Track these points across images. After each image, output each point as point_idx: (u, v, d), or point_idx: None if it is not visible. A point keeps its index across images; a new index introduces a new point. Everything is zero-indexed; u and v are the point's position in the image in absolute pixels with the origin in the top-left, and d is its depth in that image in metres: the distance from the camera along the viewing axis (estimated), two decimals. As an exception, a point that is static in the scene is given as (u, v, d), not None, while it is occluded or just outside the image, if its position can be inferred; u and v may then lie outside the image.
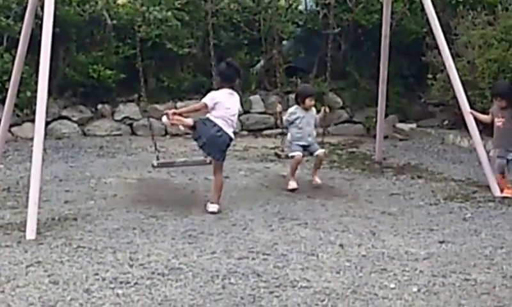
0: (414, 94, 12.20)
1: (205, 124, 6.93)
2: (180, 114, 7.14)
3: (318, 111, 8.20)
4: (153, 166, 7.73)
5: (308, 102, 7.96)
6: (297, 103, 8.03)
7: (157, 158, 7.80)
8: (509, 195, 7.54)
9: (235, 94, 7.13)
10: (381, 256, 5.62)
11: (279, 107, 8.24)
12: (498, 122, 7.80)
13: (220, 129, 6.88)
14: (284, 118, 8.07)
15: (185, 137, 11.25)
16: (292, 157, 7.90)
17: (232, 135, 7.04)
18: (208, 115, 6.95)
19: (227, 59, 7.67)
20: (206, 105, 6.95)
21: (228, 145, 7.08)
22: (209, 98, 6.98)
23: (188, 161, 8.00)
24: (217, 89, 7.15)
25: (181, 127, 7.22)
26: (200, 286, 4.89)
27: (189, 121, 7.04)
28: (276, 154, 8.64)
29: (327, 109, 8.28)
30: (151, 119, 11.31)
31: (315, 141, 8.10)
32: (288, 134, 8.05)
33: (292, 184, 7.80)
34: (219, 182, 7.06)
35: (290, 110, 8.07)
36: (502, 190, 7.62)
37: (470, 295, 4.83)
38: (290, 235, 6.17)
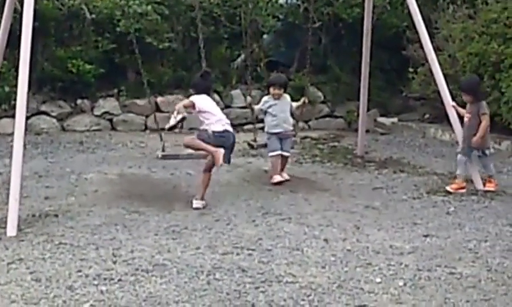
0: (395, 88, 12.24)
1: (223, 136, 6.91)
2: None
3: (297, 100, 8.37)
4: (157, 157, 7.87)
5: (272, 90, 8.06)
6: (269, 92, 8.18)
7: (163, 150, 7.92)
8: (491, 188, 7.57)
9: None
10: (365, 250, 5.61)
11: (249, 99, 8.43)
12: (466, 117, 7.75)
13: (228, 131, 6.96)
14: (257, 107, 8.26)
15: (165, 133, 11.18)
16: (272, 156, 8.02)
17: None
18: (217, 126, 6.90)
19: (203, 69, 7.59)
20: (193, 105, 6.93)
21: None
22: (199, 100, 6.94)
23: (193, 154, 7.98)
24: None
25: (184, 114, 7.03)
26: (184, 282, 4.85)
27: (187, 101, 7.04)
28: (249, 144, 8.76)
29: (306, 100, 8.49)
30: (130, 115, 11.38)
31: (292, 132, 8.24)
32: (265, 125, 8.16)
33: (276, 177, 7.86)
34: (207, 179, 7.02)
35: (263, 99, 8.21)
36: (484, 185, 7.65)
37: (455, 288, 4.83)
38: (274, 230, 6.14)
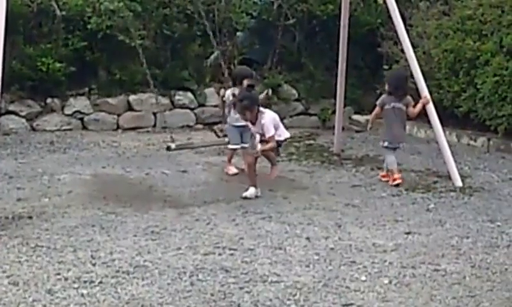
0: (369, 85, 12.23)
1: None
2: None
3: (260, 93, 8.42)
4: (169, 149, 7.99)
5: (246, 82, 8.01)
6: (234, 85, 8.19)
7: (173, 141, 8.05)
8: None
9: None
10: (348, 248, 5.61)
11: (222, 92, 8.47)
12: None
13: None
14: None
15: (137, 132, 11.12)
16: (231, 149, 8.27)
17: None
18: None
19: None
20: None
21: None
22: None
23: (207, 142, 8.00)
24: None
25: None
26: (167, 283, 4.79)
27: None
28: (213, 130, 8.89)
29: (269, 92, 8.63)
30: (102, 114, 11.24)
31: None
32: (228, 117, 8.23)
33: (232, 169, 8.26)
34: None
35: (227, 92, 8.24)
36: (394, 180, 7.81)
37: (441, 285, 4.85)
38: (255, 229, 6.10)
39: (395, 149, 8.05)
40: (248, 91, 7.42)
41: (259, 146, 7.20)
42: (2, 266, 5.06)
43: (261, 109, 7.24)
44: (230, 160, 8.34)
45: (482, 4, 10.24)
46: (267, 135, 7.17)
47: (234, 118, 8.07)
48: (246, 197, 7.07)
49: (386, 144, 8.07)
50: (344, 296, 4.64)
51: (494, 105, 9.48)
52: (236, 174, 8.16)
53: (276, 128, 7.25)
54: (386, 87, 8.16)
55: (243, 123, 7.95)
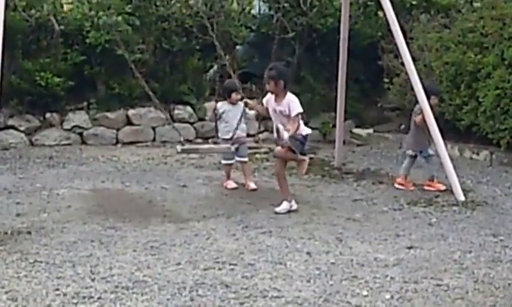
0: (370, 99, 12.29)
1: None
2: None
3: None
4: (177, 152, 8.00)
5: (234, 96, 8.22)
6: (224, 98, 8.35)
7: (182, 144, 8.07)
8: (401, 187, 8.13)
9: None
10: (350, 263, 5.60)
11: (213, 104, 8.54)
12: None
13: None
14: (210, 114, 8.42)
15: (136, 146, 11.14)
16: (225, 165, 8.35)
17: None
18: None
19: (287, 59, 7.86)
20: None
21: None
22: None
23: (214, 148, 8.10)
24: (278, 92, 7.19)
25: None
26: (167, 299, 4.78)
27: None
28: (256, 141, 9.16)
29: (260, 140, 9.10)
30: (101, 128, 11.25)
31: (245, 139, 8.41)
32: (218, 130, 8.32)
33: (230, 183, 8.30)
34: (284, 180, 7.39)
35: (218, 104, 8.33)
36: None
37: (443, 300, 4.84)
38: (256, 243, 6.10)
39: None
40: (283, 65, 7.49)
41: (286, 134, 7.00)
42: (0, 281, 5.06)
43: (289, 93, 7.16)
44: (228, 176, 8.37)
45: (483, 16, 10.28)
46: (293, 113, 7.02)
47: (224, 131, 8.17)
48: (277, 213, 7.08)
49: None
50: (346, 311, 4.64)
51: (496, 118, 9.50)
52: (235, 188, 8.21)
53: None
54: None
55: (233, 134, 8.04)
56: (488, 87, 9.59)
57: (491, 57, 9.74)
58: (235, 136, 8.07)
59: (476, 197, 7.83)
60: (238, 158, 8.30)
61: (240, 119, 8.10)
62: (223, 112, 8.21)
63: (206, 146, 7.92)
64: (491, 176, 8.99)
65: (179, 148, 7.94)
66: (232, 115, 8.17)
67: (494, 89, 9.48)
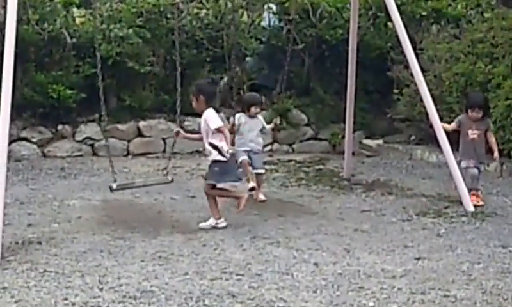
0: (379, 110, 12.27)
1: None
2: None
3: (269, 123, 8.43)
4: (111, 189, 7.56)
5: (253, 110, 8.13)
6: (243, 111, 8.23)
7: (115, 181, 7.68)
8: (480, 203, 7.77)
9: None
10: (357, 274, 5.59)
11: (231, 119, 8.28)
12: (473, 134, 7.94)
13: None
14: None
15: (147, 157, 11.19)
16: (241, 161, 7.95)
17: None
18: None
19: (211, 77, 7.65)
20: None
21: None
22: (217, 117, 6.92)
23: (148, 181, 7.86)
24: (199, 108, 7.10)
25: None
26: (174, 309, 4.80)
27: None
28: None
29: (277, 121, 8.51)
30: (111, 140, 11.30)
31: (261, 151, 8.34)
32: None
33: (251, 183, 7.88)
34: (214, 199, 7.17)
35: (236, 116, 8.21)
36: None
37: (450, 311, 4.83)
38: (263, 254, 6.10)
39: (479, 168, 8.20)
40: (207, 82, 7.31)
41: (225, 147, 6.75)
42: (10, 291, 5.10)
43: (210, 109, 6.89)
44: (248, 176, 7.96)
45: (493, 27, 10.27)
46: (213, 126, 6.76)
47: (239, 142, 8.12)
48: (200, 228, 6.95)
49: None
50: (352, 322, 4.63)
51: (506, 129, 9.46)
52: (264, 201, 8.05)
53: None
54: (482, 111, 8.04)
55: (247, 147, 8.04)
56: (498, 98, 9.56)
57: (501, 68, 9.73)
58: (249, 149, 8.05)
59: (485, 208, 7.78)
60: (254, 171, 8.09)
61: (257, 133, 8.10)
62: (239, 124, 8.12)
63: (141, 180, 7.62)
64: (501, 187, 8.95)
65: (113, 185, 7.56)
66: (248, 128, 8.11)
67: (504, 100, 9.45)
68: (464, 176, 7.88)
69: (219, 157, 6.81)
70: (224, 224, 6.98)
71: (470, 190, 7.88)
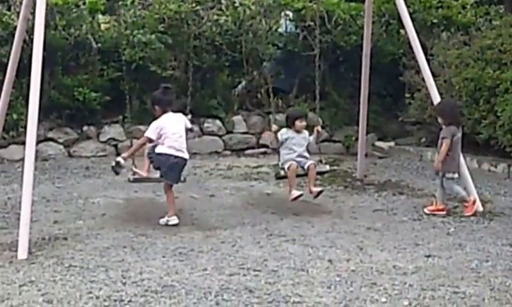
0: (391, 113, 12.24)
1: (161, 156, 7.08)
2: (131, 157, 7.37)
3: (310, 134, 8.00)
4: (129, 180, 7.62)
5: (299, 123, 7.81)
6: (288, 127, 7.86)
7: (133, 173, 7.70)
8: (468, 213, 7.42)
9: (177, 115, 7.28)
10: (369, 270, 5.56)
11: (274, 127, 8.01)
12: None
13: (176, 157, 7.06)
14: (272, 140, 8.10)
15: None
16: (288, 167, 7.61)
17: (186, 156, 7.20)
18: (160, 147, 7.08)
19: (162, 84, 7.58)
20: (150, 139, 7.12)
21: (185, 165, 7.26)
22: (152, 131, 7.08)
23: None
24: (158, 116, 7.20)
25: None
26: (193, 303, 4.79)
27: (143, 173, 7.44)
28: (276, 175, 8.11)
29: (320, 129, 8.11)
30: (135, 140, 11.30)
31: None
32: (280, 156, 7.83)
33: (295, 193, 7.53)
34: (171, 197, 7.18)
35: (282, 131, 7.83)
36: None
37: (460, 307, 4.79)
38: (279, 251, 6.09)
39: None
40: (160, 92, 7.35)
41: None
42: (37, 284, 5.12)
43: (167, 113, 7.11)
44: (292, 184, 7.62)
45: (501, 34, 10.21)
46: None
47: (286, 158, 7.70)
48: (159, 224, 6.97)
49: (456, 175, 7.53)
50: (364, 317, 4.61)
51: (514, 132, 9.41)
52: (300, 196, 7.56)
53: (159, 136, 7.03)
54: (442, 119, 7.56)
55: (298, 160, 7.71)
56: (506, 102, 9.50)
57: (509, 73, 9.66)
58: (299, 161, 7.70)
59: (494, 208, 7.73)
60: (307, 165, 7.64)
61: (304, 149, 7.77)
62: (286, 139, 7.74)
63: (156, 176, 7.63)
64: (508, 187, 8.88)
65: (131, 177, 7.54)
66: (295, 142, 7.75)
67: (512, 104, 9.39)
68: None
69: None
70: (174, 222, 6.97)
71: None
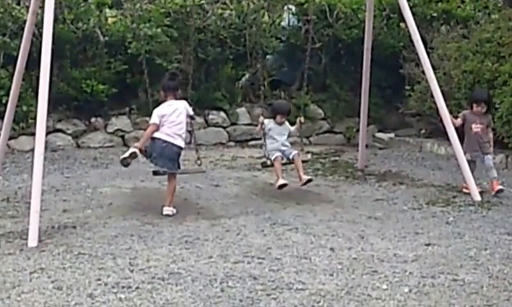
0: (391, 105, 12.20)
1: (152, 141, 7.08)
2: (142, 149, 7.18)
3: (293, 124, 8.14)
4: (154, 173, 7.47)
5: (279, 118, 7.98)
6: (272, 117, 8.06)
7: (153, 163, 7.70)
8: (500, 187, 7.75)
9: (178, 102, 7.24)
10: (371, 258, 5.56)
11: (261, 118, 8.09)
12: (476, 128, 7.88)
13: (165, 141, 7.01)
14: (258, 128, 8.18)
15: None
16: (274, 159, 7.79)
17: (179, 143, 7.09)
18: (155, 133, 7.06)
19: (170, 71, 7.63)
20: (157, 126, 7.06)
21: (179, 154, 7.17)
22: (156, 117, 7.09)
23: (187, 169, 7.93)
24: (162, 101, 7.26)
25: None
26: (199, 289, 4.80)
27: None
28: (262, 164, 8.24)
29: (302, 120, 8.17)
30: (142, 132, 11.29)
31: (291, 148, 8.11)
32: (264, 146, 7.99)
33: (281, 181, 7.66)
34: (172, 187, 7.11)
35: (265, 121, 8.02)
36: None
37: (459, 294, 4.79)
38: (283, 239, 6.09)
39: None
40: (167, 78, 7.46)
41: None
42: (47, 272, 5.14)
43: (169, 100, 7.16)
44: (279, 174, 7.76)
45: (500, 27, 10.17)
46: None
47: (271, 146, 7.91)
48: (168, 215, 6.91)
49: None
50: (366, 304, 4.61)
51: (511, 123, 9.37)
52: (285, 185, 7.68)
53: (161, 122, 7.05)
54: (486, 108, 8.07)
55: (279, 152, 7.84)
56: (504, 94, 9.48)
57: (507, 66, 9.63)
58: (283, 151, 7.89)
59: (492, 198, 7.72)
60: (291, 156, 7.84)
61: (286, 138, 7.98)
62: (269, 129, 7.94)
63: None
64: (506, 178, 8.85)
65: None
66: (277, 132, 7.94)
67: (510, 96, 9.37)
68: (470, 167, 7.79)
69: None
70: (168, 213, 6.93)
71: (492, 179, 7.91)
